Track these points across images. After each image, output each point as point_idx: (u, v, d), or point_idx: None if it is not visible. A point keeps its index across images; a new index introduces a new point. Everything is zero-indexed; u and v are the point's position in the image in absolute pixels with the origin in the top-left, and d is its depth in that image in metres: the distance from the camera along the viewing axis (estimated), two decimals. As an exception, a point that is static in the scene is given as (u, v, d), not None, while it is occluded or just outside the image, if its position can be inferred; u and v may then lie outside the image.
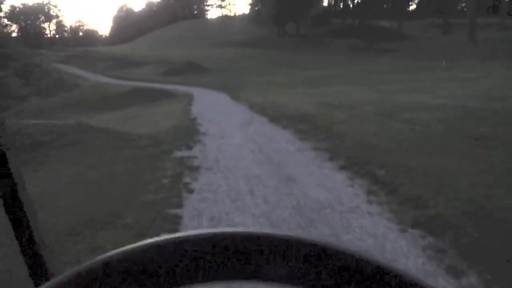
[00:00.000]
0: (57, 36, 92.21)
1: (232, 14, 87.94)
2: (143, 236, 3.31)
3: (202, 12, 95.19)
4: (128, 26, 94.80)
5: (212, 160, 6.57)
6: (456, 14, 48.42)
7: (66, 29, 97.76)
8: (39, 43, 70.95)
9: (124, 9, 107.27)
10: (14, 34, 79.83)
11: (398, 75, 24.06)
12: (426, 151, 6.09)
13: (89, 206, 4.47)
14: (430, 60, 31.88)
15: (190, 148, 7.66)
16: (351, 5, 58.78)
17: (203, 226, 3.65)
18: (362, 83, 20.53)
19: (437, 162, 5.44)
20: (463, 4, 54.37)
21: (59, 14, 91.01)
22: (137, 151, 7.48)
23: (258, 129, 9.92)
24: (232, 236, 0.34)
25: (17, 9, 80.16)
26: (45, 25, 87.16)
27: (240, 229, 0.34)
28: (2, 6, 64.08)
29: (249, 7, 66.65)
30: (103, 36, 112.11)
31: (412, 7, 61.35)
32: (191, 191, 4.84)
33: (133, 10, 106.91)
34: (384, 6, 56.60)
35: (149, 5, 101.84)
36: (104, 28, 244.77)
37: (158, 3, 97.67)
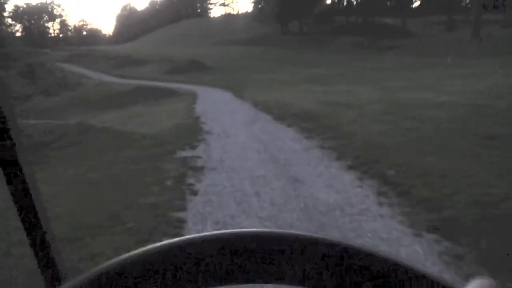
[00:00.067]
0: (60, 35, 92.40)
1: (235, 12, 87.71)
2: (145, 242, 3.15)
3: (205, 10, 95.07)
4: (132, 25, 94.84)
5: (216, 160, 6.41)
6: (460, 11, 47.96)
7: (69, 28, 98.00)
8: (43, 42, 71.06)
9: (128, 8, 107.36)
10: (18, 34, 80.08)
11: (403, 72, 23.81)
12: (438, 151, 5.90)
13: (89, 209, 4.33)
14: (434, 57, 31.60)
15: (193, 147, 7.50)
16: (354, 3, 58.37)
17: (207, 231, 3.48)
18: (366, 81, 20.32)
19: (450, 162, 5.25)
20: (467, 1, 53.86)
21: (62, 13, 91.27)
22: (140, 151, 7.34)
23: (263, 128, 9.76)
24: (247, 237, 0.34)
25: (21, 8, 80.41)
26: (49, 24, 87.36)
27: (254, 229, 0.35)
28: (6, 6, 64.25)
29: (252, 5, 66.51)
30: (107, 35, 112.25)
31: (416, 4, 60.93)
32: (195, 193, 4.69)
33: (136, 9, 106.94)
34: (388, 3, 56.21)
35: (153, 4, 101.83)
36: (107, 27, 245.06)
37: (162, 2, 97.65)
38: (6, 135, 0.53)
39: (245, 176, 5.41)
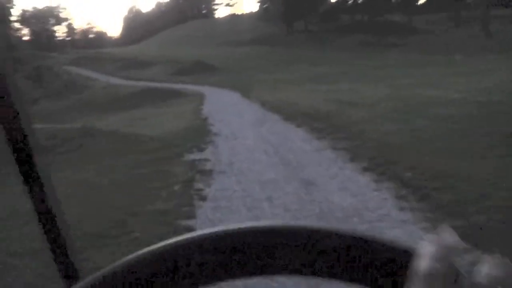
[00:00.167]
0: (67, 38, 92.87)
1: (240, 13, 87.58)
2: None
3: (211, 11, 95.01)
4: (138, 27, 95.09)
5: (225, 163, 6.21)
6: (467, 7, 47.32)
7: (76, 31, 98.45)
8: (50, 45, 71.48)
9: (134, 10, 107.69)
10: (25, 38, 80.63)
11: (411, 70, 23.45)
12: (456, 151, 5.65)
13: (93, 217, 4.14)
14: (442, 54, 31.14)
15: (201, 150, 7.31)
16: (359, 0, 57.91)
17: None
18: (374, 79, 20.01)
19: (471, 163, 5.00)
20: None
21: (69, 16, 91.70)
22: (146, 155, 7.16)
23: (272, 128, 9.55)
24: (258, 230, 0.35)
25: (28, 12, 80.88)
26: (56, 28, 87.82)
27: (262, 223, 0.35)
28: (13, 10, 64.68)
29: (258, 5, 66.26)
30: (113, 38, 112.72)
31: (422, 1, 60.25)
32: (203, 199, 4.49)
33: (142, 11, 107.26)
34: (393, 0, 55.65)
35: (158, 6, 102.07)
36: (114, 29, 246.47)
37: (167, 3, 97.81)
38: (23, 140, 0.53)
39: (256, 180, 5.20)
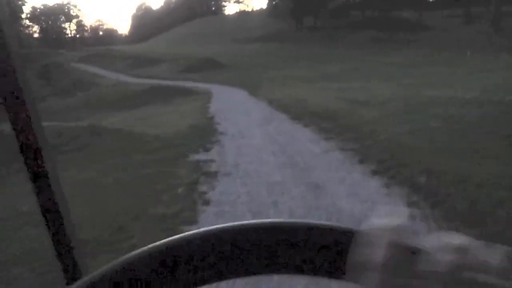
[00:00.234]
0: (77, 35, 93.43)
1: (249, 9, 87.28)
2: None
3: (220, 8, 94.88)
4: (147, 24, 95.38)
5: (231, 164, 6.06)
6: (479, 3, 46.53)
7: (86, 28, 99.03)
8: (60, 43, 71.90)
9: (143, 7, 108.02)
10: (35, 35, 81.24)
11: (422, 67, 23.09)
12: (471, 154, 5.42)
13: (94, 220, 4.02)
14: (453, 51, 30.65)
15: (207, 150, 7.17)
16: (370, -3, 57.25)
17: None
18: (384, 77, 19.72)
19: (487, 168, 4.77)
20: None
21: (79, 14, 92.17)
22: (151, 155, 7.04)
23: (279, 128, 9.38)
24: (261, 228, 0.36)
25: (38, 10, 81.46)
26: (66, 25, 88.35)
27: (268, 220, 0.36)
28: (24, 7, 65.16)
29: (267, 1, 65.97)
30: (123, 35, 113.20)
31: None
32: (207, 203, 4.34)
33: (151, 8, 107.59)
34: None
35: (168, 3, 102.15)
36: (123, 26, 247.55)
37: (176, 0, 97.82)
38: (33, 138, 0.53)
39: (262, 183, 5.04)
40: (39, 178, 0.56)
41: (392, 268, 0.28)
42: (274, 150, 6.98)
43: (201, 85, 22.58)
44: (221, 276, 0.36)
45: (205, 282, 0.35)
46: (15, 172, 6.68)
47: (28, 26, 78.64)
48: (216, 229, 0.36)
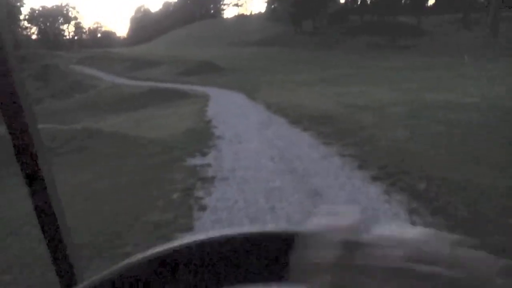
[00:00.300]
0: (75, 37, 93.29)
1: (248, 13, 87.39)
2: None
3: (219, 11, 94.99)
4: (146, 27, 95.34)
5: (228, 169, 5.95)
6: (477, 9, 46.69)
7: (84, 30, 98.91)
8: (58, 44, 71.75)
9: (142, 10, 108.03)
10: (34, 36, 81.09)
11: (420, 72, 23.06)
12: (473, 160, 5.33)
13: (87, 226, 3.90)
14: (451, 56, 30.70)
15: (204, 154, 7.06)
16: (368, 1, 57.40)
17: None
18: (383, 81, 19.67)
19: (490, 175, 4.68)
20: (484, -1, 52.39)
21: (77, 15, 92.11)
22: (147, 159, 6.93)
23: (278, 132, 9.28)
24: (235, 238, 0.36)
25: (37, 11, 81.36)
26: (64, 27, 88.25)
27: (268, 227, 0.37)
28: (22, 9, 65.05)
29: (266, 5, 66.04)
30: (121, 37, 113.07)
31: (431, 2, 59.59)
32: (203, 209, 4.23)
33: (150, 11, 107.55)
34: (402, 1, 55.09)
35: (166, 6, 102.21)
36: (122, 29, 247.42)
37: (175, 3, 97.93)
38: (28, 140, 0.52)
39: (259, 188, 4.94)
40: (34, 181, 0.54)
41: (339, 266, 0.28)
42: (272, 155, 6.88)
43: (199, 88, 22.49)
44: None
45: None
46: (9, 175, 6.58)
47: (27, 28, 78.53)
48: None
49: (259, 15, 75.31)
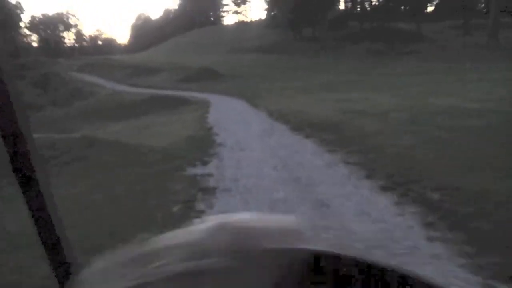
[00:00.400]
0: (76, 45, 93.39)
1: (248, 20, 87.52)
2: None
3: (219, 18, 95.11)
4: (146, 34, 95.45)
5: (230, 179, 5.73)
6: (477, 15, 46.66)
7: (85, 38, 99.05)
8: (58, 52, 71.79)
9: (142, 17, 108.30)
10: (34, 44, 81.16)
11: (421, 78, 22.90)
12: (487, 168, 5.10)
13: (81, 243, 3.67)
14: (452, 62, 30.55)
15: (205, 163, 6.84)
16: (368, 8, 57.38)
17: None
18: (384, 87, 19.51)
19: (506, 182, 4.45)
20: (482, 5, 52.29)
21: (78, 23, 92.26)
22: (147, 168, 6.70)
23: (280, 140, 9.07)
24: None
25: (37, 19, 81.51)
26: (65, 34, 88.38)
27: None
28: (22, 16, 65.20)
29: (265, 12, 66.12)
30: (122, 45, 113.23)
31: (431, 8, 59.55)
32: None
33: (150, 18, 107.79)
34: (402, 8, 55.06)
35: (167, 13, 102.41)
36: (122, 36, 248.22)
37: (175, 10, 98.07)
38: (23, 148, 0.52)
39: (263, 200, 4.72)
40: (29, 185, 0.53)
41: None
42: (275, 164, 6.66)
43: (200, 95, 22.33)
44: None
45: None
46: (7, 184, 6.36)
47: (27, 35, 78.61)
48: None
49: (259, 22, 75.34)
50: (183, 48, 64.18)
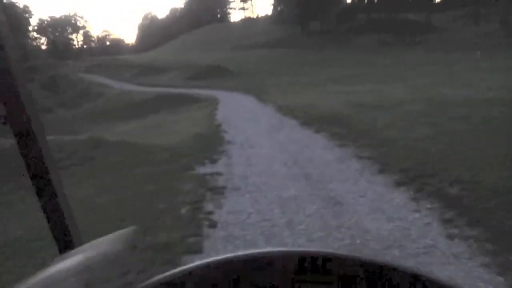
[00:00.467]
0: (84, 46, 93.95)
1: (255, 16, 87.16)
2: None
3: (225, 15, 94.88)
4: (153, 33, 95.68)
5: (239, 177, 5.60)
6: (487, 3, 45.73)
7: (93, 39, 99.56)
8: (67, 54, 72.29)
9: (149, 16, 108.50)
10: (43, 47, 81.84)
11: (432, 68, 22.50)
12: (506, 160, 4.89)
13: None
14: (462, 52, 30.01)
15: (214, 161, 6.71)
16: (376, -1, 56.63)
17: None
18: (394, 78, 19.18)
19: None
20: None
21: (85, 25, 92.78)
22: (155, 167, 6.60)
23: (289, 135, 8.92)
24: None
25: (45, 22, 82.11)
26: (73, 36, 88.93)
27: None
28: (31, 20, 65.74)
29: (272, 7, 65.71)
30: (130, 45, 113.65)
31: (439, -3, 58.53)
32: (213, 225, 3.86)
33: (157, 17, 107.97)
34: (410, -2, 54.23)
35: (173, 12, 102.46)
36: (130, 36, 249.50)
37: (182, 9, 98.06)
38: (38, 152, 0.52)
39: (274, 198, 4.57)
40: (45, 192, 0.53)
41: None
42: (285, 160, 6.51)
43: (208, 92, 22.24)
44: None
45: None
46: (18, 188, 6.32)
47: (36, 38, 79.25)
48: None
49: (266, 17, 75.02)
50: (190, 46, 64.18)
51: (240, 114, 13.14)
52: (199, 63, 37.54)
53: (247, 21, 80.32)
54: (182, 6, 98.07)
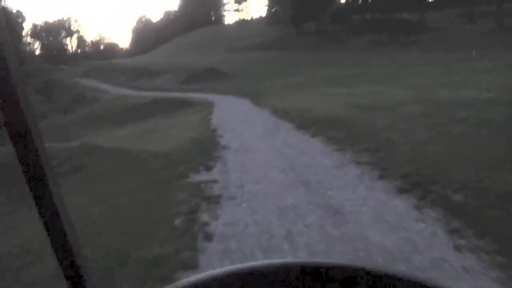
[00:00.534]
0: (78, 50, 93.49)
1: (249, 18, 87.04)
2: None
3: (220, 17, 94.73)
4: (148, 37, 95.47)
5: (235, 185, 5.42)
6: (481, 2, 45.85)
7: (87, 43, 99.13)
8: (61, 58, 71.88)
9: (143, 20, 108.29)
10: (37, 52, 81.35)
11: (428, 68, 22.42)
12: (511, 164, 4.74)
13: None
14: (457, 51, 29.98)
15: (209, 168, 6.54)
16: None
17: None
18: (390, 79, 19.07)
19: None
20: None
21: (79, 29, 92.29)
22: (149, 175, 6.42)
23: (285, 139, 8.75)
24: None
25: (39, 27, 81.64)
26: (67, 40, 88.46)
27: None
28: (24, 24, 65.32)
29: (266, 9, 65.66)
30: (124, 48, 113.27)
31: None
32: (209, 238, 3.69)
33: (151, 21, 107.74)
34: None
35: (167, 14, 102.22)
36: (124, 40, 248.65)
37: (176, 11, 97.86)
38: (33, 154, 0.53)
39: (271, 207, 4.40)
40: (43, 201, 0.53)
41: None
42: (282, 166, 6.35)
43: (203, 96, 22.08)
44: None
45: None
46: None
47: (29, 43, 78.79)
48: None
49: (260, 19, 74.96)
50: (184, 49, 63.99)
51: (235, 117, 12.97)
52: (193, 66, 37.37)
53: (242, 23, 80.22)
54: (176, 9, 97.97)
